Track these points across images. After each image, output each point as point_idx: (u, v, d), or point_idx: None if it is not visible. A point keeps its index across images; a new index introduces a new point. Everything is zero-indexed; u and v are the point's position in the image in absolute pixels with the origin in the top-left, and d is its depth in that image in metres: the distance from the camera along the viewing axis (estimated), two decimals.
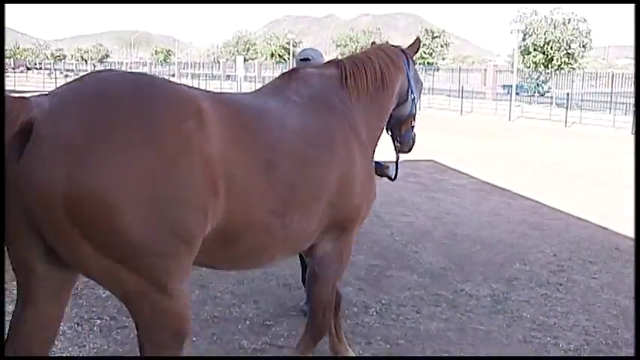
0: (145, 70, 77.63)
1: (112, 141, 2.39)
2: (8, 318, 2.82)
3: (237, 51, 76.43)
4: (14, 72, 67.47)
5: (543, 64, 42.28)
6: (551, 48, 41.61)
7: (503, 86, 40.41)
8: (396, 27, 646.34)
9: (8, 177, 2.39)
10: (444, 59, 55.21)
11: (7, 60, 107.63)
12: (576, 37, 41.77)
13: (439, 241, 7.67)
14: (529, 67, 42.70)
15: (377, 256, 6.84)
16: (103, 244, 2.42)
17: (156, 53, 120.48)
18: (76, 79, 2.71)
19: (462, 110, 34.37)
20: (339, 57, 4.27)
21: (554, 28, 41.49)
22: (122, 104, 2.51)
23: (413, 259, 6.84)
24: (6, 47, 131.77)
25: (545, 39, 41.39)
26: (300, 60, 4.94)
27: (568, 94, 31.71)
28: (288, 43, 69.92)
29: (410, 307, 5.46)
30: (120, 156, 2.38)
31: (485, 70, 44.85)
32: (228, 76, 64.07)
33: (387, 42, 4.70)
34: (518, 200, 10.59)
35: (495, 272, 6.50)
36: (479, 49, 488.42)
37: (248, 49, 79.85)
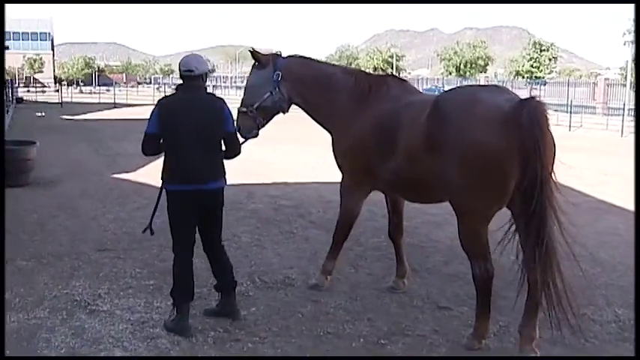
0: None
1: None
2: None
3: None
4: (126, 86, 70.54)
5: None
6: None
7: None
8: (500, 40, 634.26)
9: None
10: (551, 72, 53.48)
11: (120, 75, 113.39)
12: None
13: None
14: None
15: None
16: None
17: None
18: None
19: (570, 125, 33.11)
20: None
21: None
22: None
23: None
24: (119, 63, 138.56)
25: None
26: (185, 71, 5.03)
27: None
28: (391, 57, 69.89)
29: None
30: None
31: (595, 83, 43.09)
32: None
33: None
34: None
35: (619, 297, 6.14)
36: (587, 63, 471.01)
37: (351, 63, 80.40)
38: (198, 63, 5.03)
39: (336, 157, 5.95)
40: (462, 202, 4.68)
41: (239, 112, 5.99)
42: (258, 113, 5.92)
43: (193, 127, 4.92)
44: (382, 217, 9.32)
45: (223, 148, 5.23)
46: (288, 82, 5.90)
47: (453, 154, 4.51)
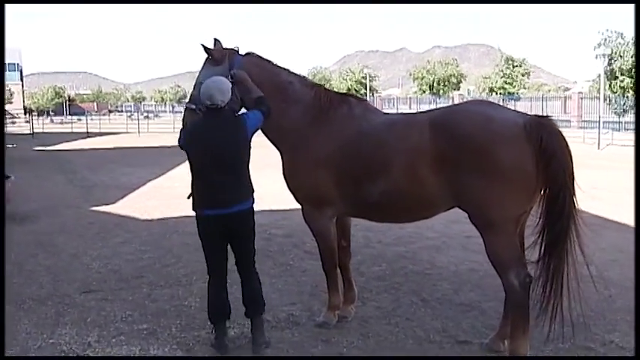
0: None
1: None
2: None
3: None
4: (98, 115, 69.69)
5: (632, 88, 40.44)
6: None
7: None
8: (468, 58, 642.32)
9: None
10: (524, 88, 53.86)
11: (91, 104, 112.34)
12: None
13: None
14: (615, 93, 40.99)
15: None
16: None
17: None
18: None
19: None
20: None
21: None
22: None
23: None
24: (90, 92, 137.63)
25: (633, 62, 39.62)
26: (210, 105, 4.92)
27: None
28: (364, 78, 69.96)
29: None
30: None
31: (565, 97, 43.45)
32: None
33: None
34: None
35: None
36: (554, 77, 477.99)
37: (324, 85, 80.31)
38: (223, 96, 4.91)
39: (287, 180, 5.51)
40: (495, 212, 4.58)
41: (187, 108, 5.53)
42: None
43: (216, 152, 4.85)
44: (378, 243, 9.01)
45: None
46: (243, 84, 5.37)
47: (478, 172, 4.50)
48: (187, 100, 5.65)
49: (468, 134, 4.56)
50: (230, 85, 5.03)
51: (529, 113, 4.84)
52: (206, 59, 5.54)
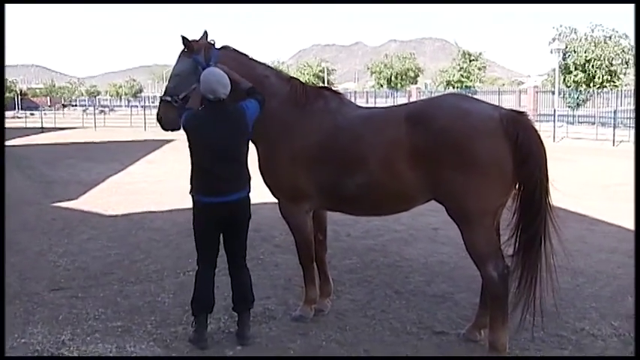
0: None
1: None
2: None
3: None
4: (52, 110, 68.14)
5: (585, 82, 41.39)
6: (593, 66, 40.72)
7: None
8: (423, 52, 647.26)
9: None
10: (480, 81, 54.51)
11: (44, 98, 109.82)
12: (618, 54, 40.82)
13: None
14: (569, 87, 41.86)
15: (478, 295, 6.35)
16: None
17: None
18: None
19: None
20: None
21: (595, 45, 40.65)
22: None
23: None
24: (42, 86, 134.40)
25: (586, 57, 40.55)
26: (213, 98, 4.96)
27: (615, 112, 30.86)
28: (321, 71, 69.91)
29: (534, 350, 4.99)
30: None
31: (520, 91, 44.10)
32: None
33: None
34: (599, 226, 10.00)
35: (610, 308, 5.99)
36: (507, 71, 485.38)
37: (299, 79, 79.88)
38: (225, 88, 4.95)
39: (263, 175, 5.48)
40: (472, 205, 4.62)
41: (162, 100, 5.52)
42: (183, 104, 5.34)
43: (219, 144, 4.91)
44: (347, 236, 9.05)
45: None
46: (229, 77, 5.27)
47: (455, 165, 4.55)
48: (163, 92, 5.57)
49: (444, 128, 4.59)
50: (228, 77, 4.99)
51: (504, 107, 4.88)
52: (181, 52, 5.49)
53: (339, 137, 5.07)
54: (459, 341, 5.20)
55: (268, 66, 5.73)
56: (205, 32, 5.61)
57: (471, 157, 4.51)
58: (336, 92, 5.66)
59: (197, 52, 5.40)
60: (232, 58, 5.50)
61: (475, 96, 40.42)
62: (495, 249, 4.71)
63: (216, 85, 4.87)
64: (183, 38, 5.43)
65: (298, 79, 5.71)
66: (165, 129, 5.62)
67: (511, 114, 4.67)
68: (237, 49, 5.64)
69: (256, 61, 5.67)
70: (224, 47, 5.58)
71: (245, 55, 5.66)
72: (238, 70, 5.38)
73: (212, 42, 5.55)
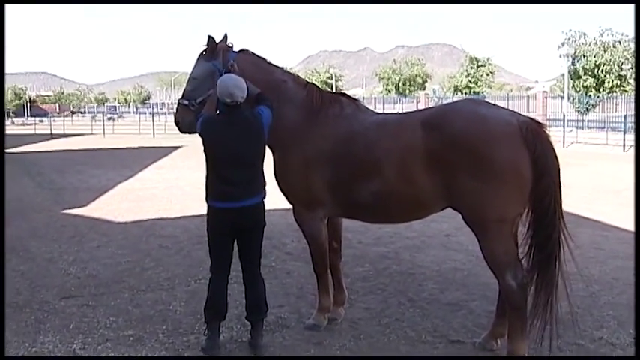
0: None
1: None
2: None
3: None
4: (61, 117, 68.37)
5: (594, 87, 41.24)
6: (602, 71, 40.59)
7: None
8: (431, 57, 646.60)
9: None
10: (489, 87, 54.41)
11: (53, 105, 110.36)
12: (627, 59, 40.68)
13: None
14: (579, 92, 41.72)
15: (493, 303, 6.27)
16: None
17: None
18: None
19: None
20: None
21: (604, 50, 40.52)
22: None
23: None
24: (51, 93, 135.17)
25: (596, 62, 40.42)
26: (230, 102, 4.89)
27: (625, 117, 30.69)
28: (330, 77, 69.91)
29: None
30: None
31: (529, 96, 44.01)
32: None
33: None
34: (613, 232, 9.90)
35: (627, 316, 5.88)
36: (515, 77, 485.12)
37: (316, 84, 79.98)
38: (242, 92, 4.89)
39: (278, 181, 5.42)
40: (490, 213, 4.54)
41: (179, 104, 5.49)
42: (200, 108, 5.30)
43: (236, 150, 4.88)
44: (359, 243, 8.99)
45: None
46: None
47: (472, 172, 4.47)
48: (181, 96, 5.56)
49: (460, 132, 4.53)
50: (244, 81, 4.95)
51: (522, 114, 4.79)
52: (200, 54, 5.47)
53: (354, 143, 5.02)
54: (475, 350, 5.13)
55: (286, 70, 5.70)
56: (225, 35, 5.57)
57: (488, 163, 4.43)
58: (353, 98, 5.62)
59: (216, 56, 5.36)
60: (250, 61, 5.46)
61: None
62: (514, 258, 4.62)
63: (234, 89, 4.83)
64: (210, 38, 5.39)
65: (315, 85, 5.67)
66: (182, 132, 5.60)
67: (530, 123, 4.57)
68: (255, 52, 5.60)
69: (274, 65, 5.65)
70: (242, 51, 5.54)
71: (263, 58, 5.62)
72: (256, 73, 5.34)
73: (230, 45, 5.50)
